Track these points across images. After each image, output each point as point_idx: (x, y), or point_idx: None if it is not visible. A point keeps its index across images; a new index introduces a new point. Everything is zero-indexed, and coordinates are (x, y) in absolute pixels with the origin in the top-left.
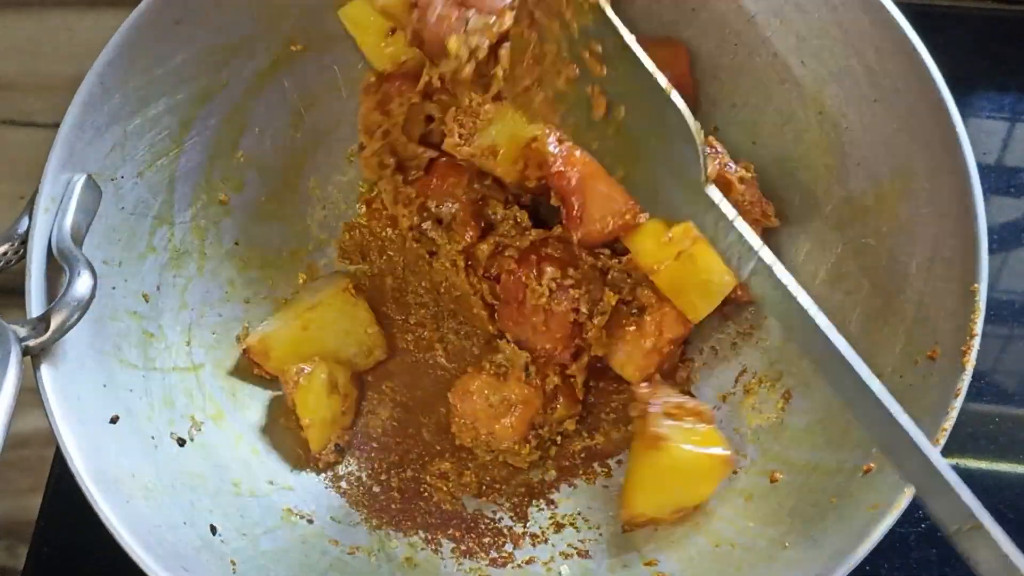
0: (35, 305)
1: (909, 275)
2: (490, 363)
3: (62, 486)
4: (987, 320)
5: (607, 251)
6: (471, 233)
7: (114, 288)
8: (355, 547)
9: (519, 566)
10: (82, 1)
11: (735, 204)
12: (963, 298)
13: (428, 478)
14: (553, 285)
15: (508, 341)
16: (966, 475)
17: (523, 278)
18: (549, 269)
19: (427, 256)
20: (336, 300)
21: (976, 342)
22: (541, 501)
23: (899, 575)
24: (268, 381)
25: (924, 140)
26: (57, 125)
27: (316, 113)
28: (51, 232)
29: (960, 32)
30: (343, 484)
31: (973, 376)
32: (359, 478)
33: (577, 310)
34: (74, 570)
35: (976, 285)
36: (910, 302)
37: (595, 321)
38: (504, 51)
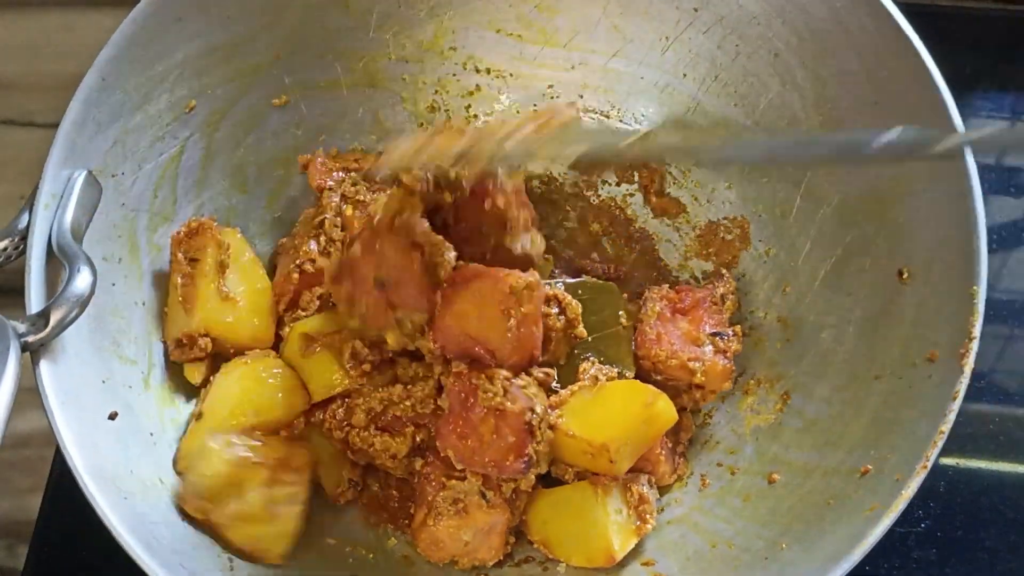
0: (34, 301)
1: (909, 277)
2: (443, 501)
3: (62, 486)
4: (987, 320)
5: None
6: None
7: (114, 284)
8: (352, 545)
9: (516, 565)
10: (82, 0)
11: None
12: (962, 300)
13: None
14: (507, 384)
15: (452, 478)
16: (966, 475)
17: (472, 379)
18: (501, 372)
19: None
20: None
21: (975, 345)
22: None
23: (899, 575)
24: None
25: None
26: (57, 125)
27: (317, 110)
28: (51, 228)
29: (960, 32)
30: None
31: (973, 376)
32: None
33: (532, 410)
34: (74, 570)
35: (975, 288)
36: (909, 304)
37: (543, 434)
38: None
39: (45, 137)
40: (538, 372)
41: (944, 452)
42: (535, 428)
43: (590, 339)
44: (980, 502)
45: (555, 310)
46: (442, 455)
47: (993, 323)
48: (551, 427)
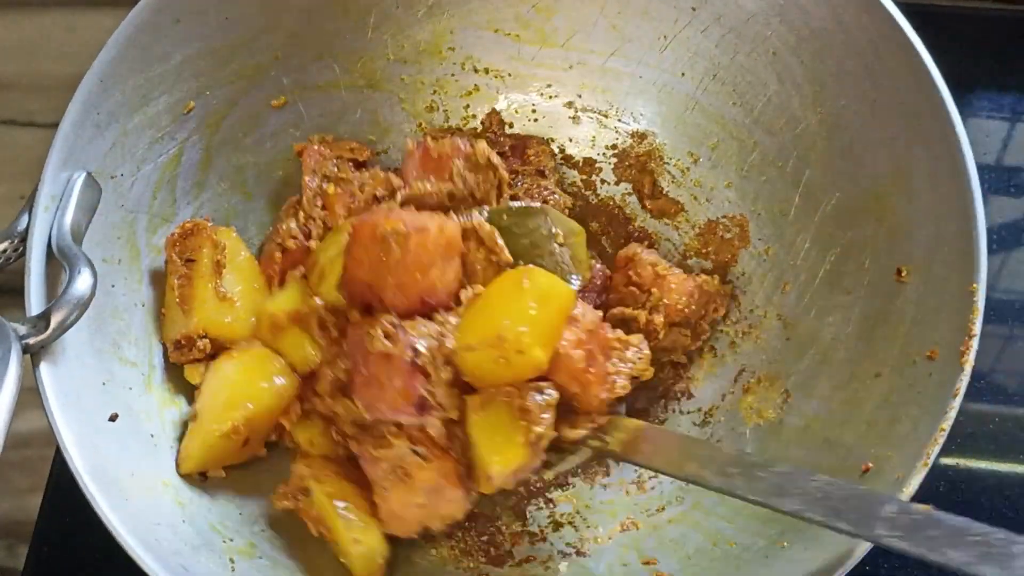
0: (35, 303)
1: (908, 275)
2: (383, 474)
3: (62, 486)
4: (987, 320)
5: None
6: None
7: (114, 286)
8: None
9: (517, 564)
10: (82, 1)
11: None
12: (962, 298)
13: None
14: (390, 328)
15: (380, 447)
16: (966, 475)
17: (365, 326)
18: (386, 316)
19: None
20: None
21: (975, 342)
22: (539, 500)
23: (899, 575)
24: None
25: (923, 140)
26: (57, 125)
27: (316, 111)
28: (51, 230)
29: (960, 32)
30: None
31: (973, 376)
32: None
33: (414, 348)
34: (74, 570)
35: (974, 285)
36: (909, 302)
37: (438, 373)
38: None
39: (45, 137)
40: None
41: (944, 452)
42: (425, 368)
43: (523, 264)
44: (980, 502)
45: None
46: (356, 408)
47: (993, 323)
48: (448, 362)
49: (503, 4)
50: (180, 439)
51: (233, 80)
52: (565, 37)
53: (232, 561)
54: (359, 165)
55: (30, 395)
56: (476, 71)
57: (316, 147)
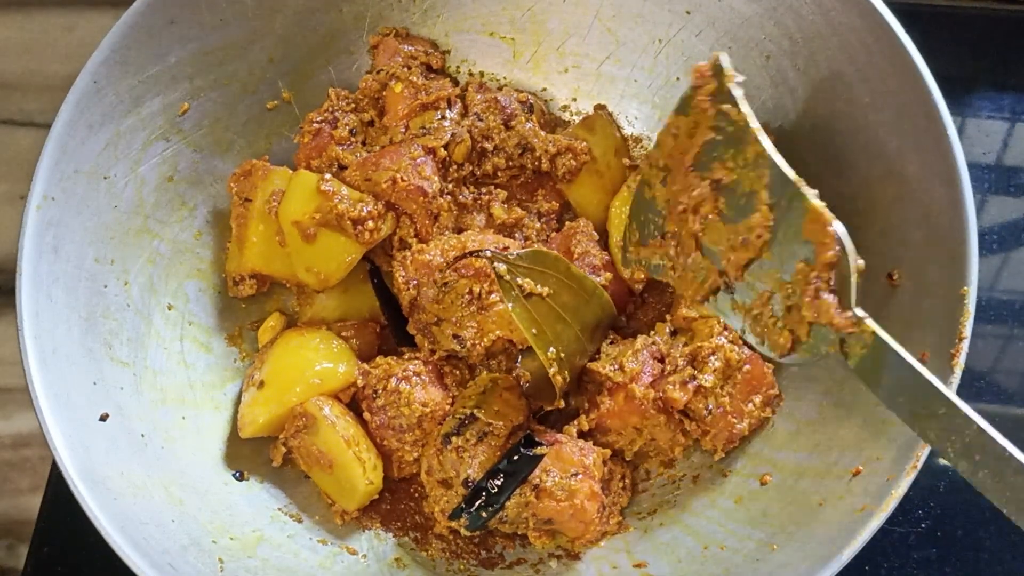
0: (26, 302)
1: (900, 278)
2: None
3: (62, 486)
4: (987, 320)
5: None
6: None
7: (106, 286)
8: (344, 547)
9: (508, 567)
10: (82, 1)
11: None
12: (953, 301)
13: (419, 479)
14: None
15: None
16: None
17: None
18: None
19: None
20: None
21: (965, 345)
22: None
23: (899, 575)
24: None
25: (916, 143)
26: None
27: (311, 113)
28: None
29: (960, 32)
30: None
31: (973, 376)
32: None
33: None
34: (74, 570)
35: (965, 288)
36: (900, 305)
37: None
38: None
39: (44, 137)
40: None
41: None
42: None
43: None
44: (980, 502)
45: None
46: None
47: (993, 323)
48: None
49: (498, 8)
50: (171, 439)
51: (228, 82)
52: (560, 41)
53: (221, 561)
54: (430, 71)
55: (29, 395)
56: (471, 75)
57: (392, 40)
